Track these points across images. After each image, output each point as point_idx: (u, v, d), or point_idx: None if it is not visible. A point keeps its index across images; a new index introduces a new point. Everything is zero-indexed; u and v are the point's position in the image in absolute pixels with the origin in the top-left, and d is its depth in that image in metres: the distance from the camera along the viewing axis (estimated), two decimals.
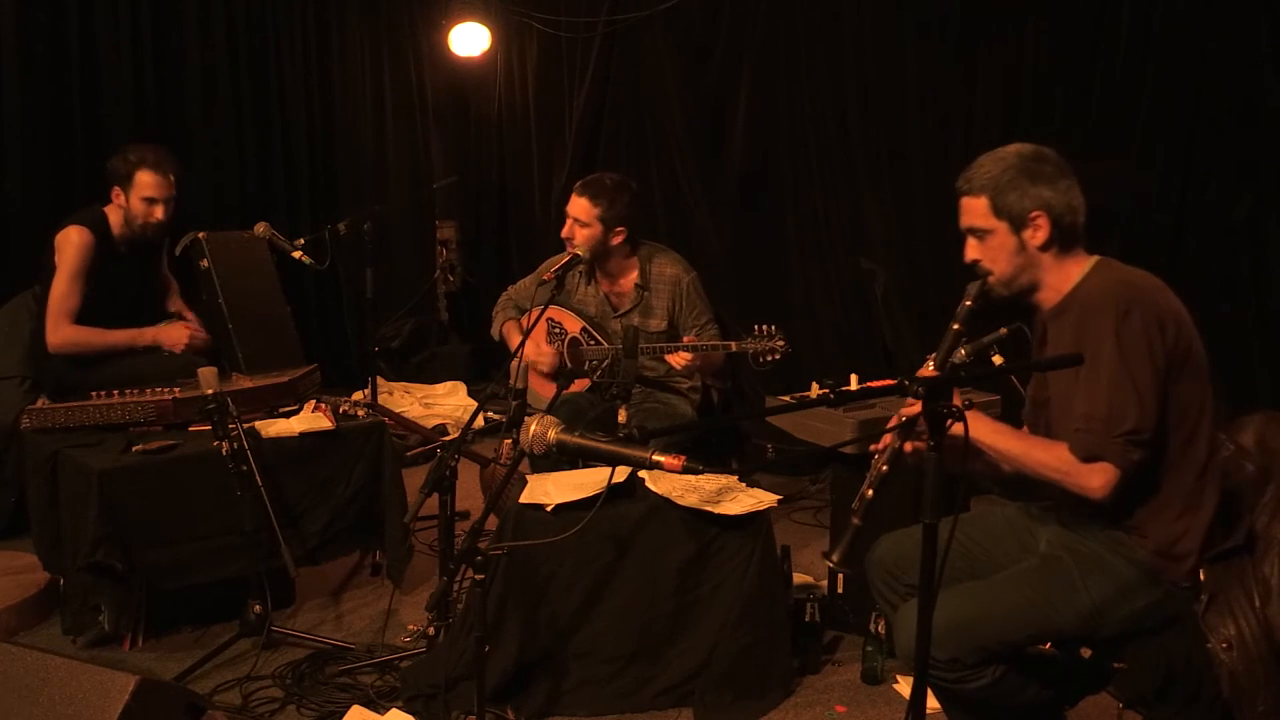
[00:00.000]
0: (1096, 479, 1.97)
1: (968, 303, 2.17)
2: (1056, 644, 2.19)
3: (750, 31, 5.19)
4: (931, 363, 2.20)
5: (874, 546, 2.41)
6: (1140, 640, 2.09)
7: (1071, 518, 2.20)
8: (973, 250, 2.18)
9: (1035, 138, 2.19)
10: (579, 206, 3.43)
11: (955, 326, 2.17)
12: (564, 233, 3.48)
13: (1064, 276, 2.13)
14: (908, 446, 2.11)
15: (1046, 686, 2.15)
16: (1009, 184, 2.09)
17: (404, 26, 6.45)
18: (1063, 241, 2.11)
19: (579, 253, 3.31)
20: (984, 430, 2.07)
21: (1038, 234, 2.09)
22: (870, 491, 2.08)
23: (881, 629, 2.81)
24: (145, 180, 3.53)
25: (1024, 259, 2.12)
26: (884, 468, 2.11)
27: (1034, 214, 2.08)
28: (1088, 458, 1.97)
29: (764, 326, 3.15)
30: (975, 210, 2.14)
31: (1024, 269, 2.13)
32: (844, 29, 4.84)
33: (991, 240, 2.13)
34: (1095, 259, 2.14)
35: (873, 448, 2.23)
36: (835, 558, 2.07)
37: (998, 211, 2.11)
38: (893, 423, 2.14)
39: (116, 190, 3.58)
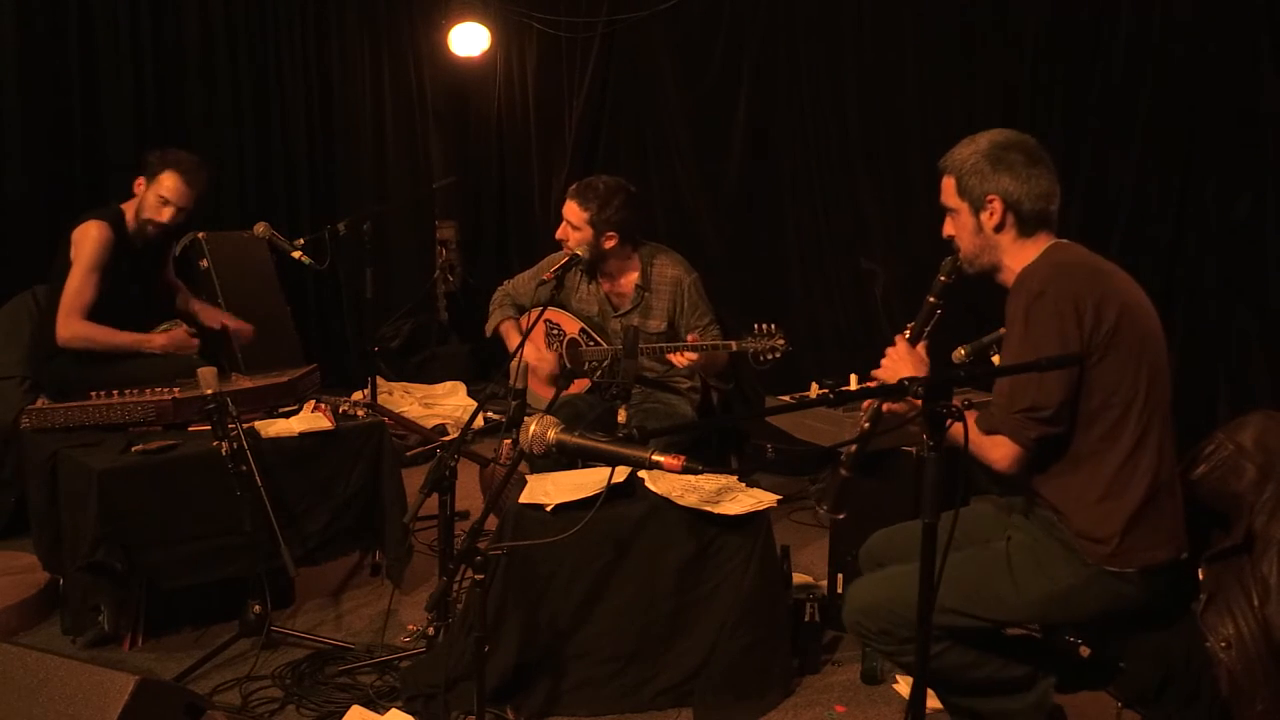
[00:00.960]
0: (996, 451, 2.09)
1: (941, 277, 2.30)
2: (1013, 623, 2.25)
3: (750, 31, 5.19)
4: (909, 331, 2.30)
5: (866, 543, 2.48)
6: (1135, 639, 2.10)
7: (1025, 503, 2.27)
8: (947, 226, 2.31)
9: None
10: (570, 210, 3.43)
11: (930, 299, 2.30)
12: (558, 234, 3.48)
13: (1021, 259, 2.21)
14: (885, 407, 2.25)
15: (1013, 665, 2.20)
16: (972, 169, 2.20)
17: (404, 26, 6.46)
18: (1022, 226, 2.20)
19: (578, 252, 3.31)
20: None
21: (992, 217, 2.20)
22: (854, 447, 2.23)
23: None
24: (168, 182, 3.55)
25: (982, 240, 2.24)
26: (865, 424, 2.26)
27: (990, 198, 2.19)
28: (988, 430, 2.10)
29: (764, 325, 3.15)
30: (946, 189, 2.28)
31: (983, 249, 2.24)
32: (844, 29, 4.84)
33: (957, 219, 2.27)
34: (1051, 242, 2.21)
35: (863, 406, 2.39)
36: (825, 505, 2.21)
37: (961, 193, 2.24)
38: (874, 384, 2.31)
39: (140, 180, 3.58)
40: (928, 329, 2.30)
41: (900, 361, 2.26)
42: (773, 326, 3.15)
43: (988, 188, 2.19)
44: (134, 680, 2.04)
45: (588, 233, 3.41)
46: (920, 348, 2.29)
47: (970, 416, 2.08)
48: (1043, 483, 2.15)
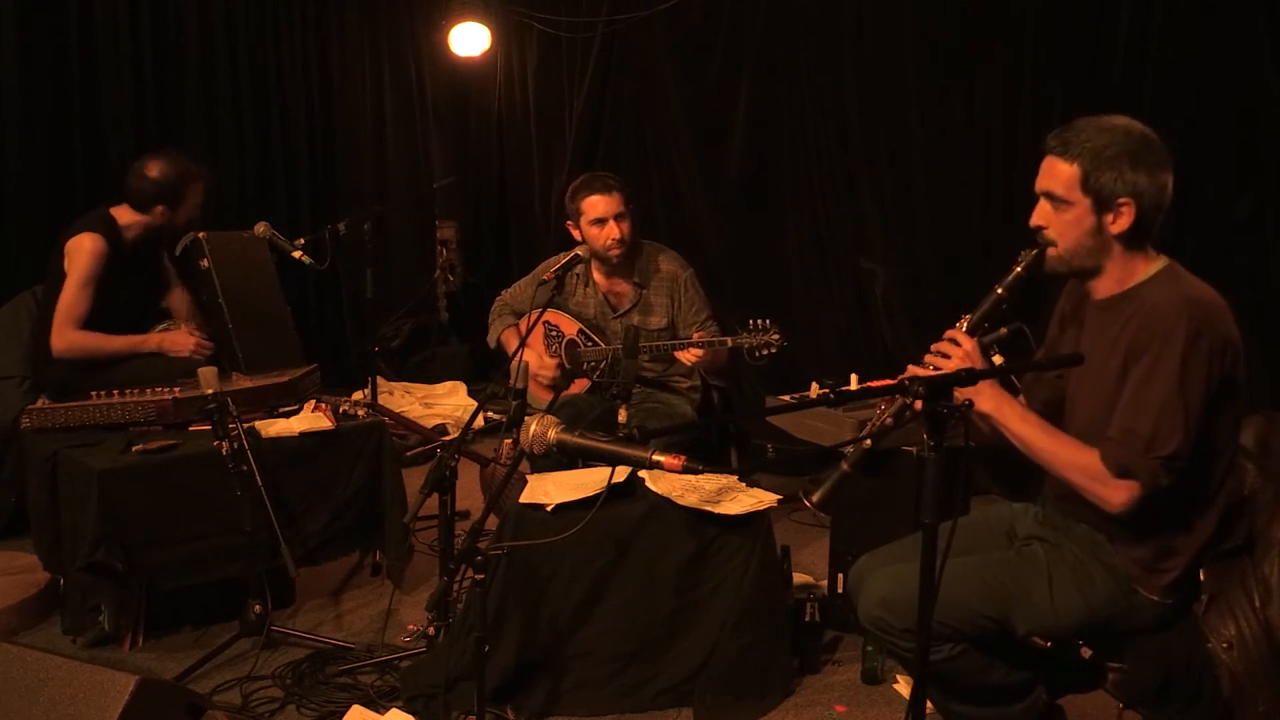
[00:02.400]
0: (1121, 495, 1.93)
1: (1018, 269, 2.06)
2: (1039, 638, 2.20)
3: (750, 31, 5.19)
4: (966, 322, 2.11)
5: (854, 567, 2.38)
6: (1136, 641, 2.10)
7: (1057, 514, 2.20)
8: (1041, 216, 2.04)
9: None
10: (614, 202, 3.39)
11: (999, 291, 2.07)
12: (609, 237, 3.39)
13: (1129, 271, 2.02)
14: (917, 404, 2.03)
15: (1017, 670, 2.16)
16: (1109, 161, 1.94)
17: (404, 26, 6.45)
18: (1138, 235, 2.00)
19: (579, 252, 3.31)
20: (1011, 417, 2.04)
21: (1119, 221, 1.97)
22: (868, 442, 2.01)
23: None
24: (195, 199, 3.67)
25: (1096, 242, 2.00)
26: (888, 420, 2.06)
27: (1123, 200, 1.95)
28: (1121, 474, 1.93)
29: (759, 321, 3.15)
30: (1061, 176, 1.99)
31: (1091, 252, 2.01)
32: (844, 29, 4.84)
33: (1067, 213, 2.00)
34: (1165, 261, 2.04)
35: (881, 403, 2.21)
36: (815, 498, 2.00)
37: (1086, 186, 1.96)
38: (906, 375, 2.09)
39: (161, 210, 3.59)
40: (988, 324, 2.11)
41: (970, 357, 2.03)
42: (767, 322, 3.14)
43: (1121, 188, 1.94)
44: (134, 680, 2.04)
45: (630, 216, 3.43)
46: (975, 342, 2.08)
47: (1086, 453, 1.97)
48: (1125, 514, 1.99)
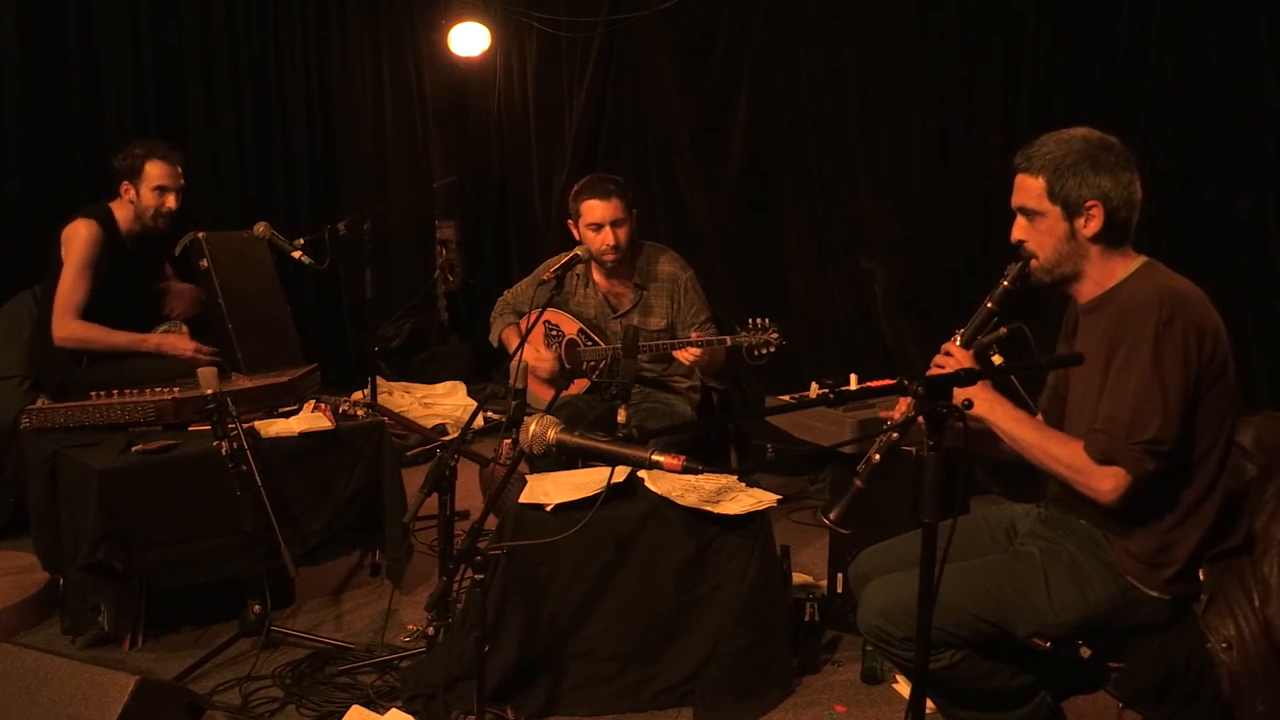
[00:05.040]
0: (1108, 482, 1.96)
1: (1005, 283, 2.12)
2: (1040, 638, 2.19)
3: (750, 31, 5.19)
4: (959, 337, 2.16)
5: (856, 560, 2.39)
6: (1136, 640, 2.09)
7: (1056, 513, 2.20)
8: (1020, 230, 2.12)
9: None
10: (613, 207, 3.38)
11: (988, 305, 2.14)
12: (604, 243, 3.39)
13: (1108, 272, 2.09)
14: (904, 402, 2.11)
15: (1021, 675, 2.15)
16: (1070, 168, 2.03)
17: (404, 26, 6.45)
18: (1112, 236, 2.06)
19: (578, 253, 3.31)
20: (1003, 416, 2.07)
21: (1090, 224, 2.04)
22: (877, 456, 2.05)
23: None
24: (154, 171, 3.61)
25: (1071, 247, 2.07)
26: (895, 435, 2.08)
27: (1090, 203, 2.03)
28: (1102, 460, 1.96)
29: (758, 320, 3.15)
30: (1030, 190, 2.08)
31: (1069, 257, 2.08)
32: (844, 29, 4.84)
33: (1041, 223, 2.08)
34: (1143, 259, 2.10)
35: (883, 414, 2.25)
36: (833, 515, 2.03)
37: (1053, 195, 2.05)
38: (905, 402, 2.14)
39: (125, 185, 3.63)
40: (981, 337, 2.16)
41: (964, 366, 2.06)
42: (766, 321, 3.15)
43: (1086, 191, 2.02)
44: (134, 680, 2.04)
45: (629, 222, 3.43)
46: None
47: (1072, 445, 2.00)
48: (1122, 508, 2.00)
